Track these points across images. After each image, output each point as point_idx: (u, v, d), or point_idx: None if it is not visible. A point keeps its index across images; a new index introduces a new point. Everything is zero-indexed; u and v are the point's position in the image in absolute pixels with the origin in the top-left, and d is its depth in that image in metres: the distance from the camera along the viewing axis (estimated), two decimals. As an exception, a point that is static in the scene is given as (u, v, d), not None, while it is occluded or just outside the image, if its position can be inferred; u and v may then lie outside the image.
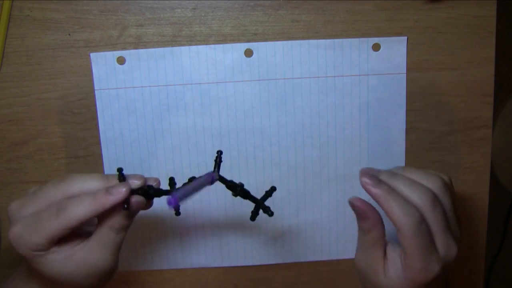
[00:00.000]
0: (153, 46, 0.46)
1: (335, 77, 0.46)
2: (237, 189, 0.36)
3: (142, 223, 0.49)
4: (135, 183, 0.34)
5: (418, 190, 0.35)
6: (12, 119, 0.47)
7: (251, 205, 0.50)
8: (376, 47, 0.46)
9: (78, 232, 0.36)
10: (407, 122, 0.48)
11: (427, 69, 0.47)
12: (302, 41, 0.46)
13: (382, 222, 0.36)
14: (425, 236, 0.34)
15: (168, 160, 0.48)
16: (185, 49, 0.46)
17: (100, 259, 0.35)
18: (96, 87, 0.46)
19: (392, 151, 0.48)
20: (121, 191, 0.33)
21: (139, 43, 0.46)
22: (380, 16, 0.46)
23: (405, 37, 0.46)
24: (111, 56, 0.45)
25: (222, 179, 0.36)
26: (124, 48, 0.45)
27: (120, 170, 0.34)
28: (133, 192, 0.34)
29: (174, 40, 0.46)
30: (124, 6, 0.45)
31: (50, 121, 0.47)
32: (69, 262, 0.35)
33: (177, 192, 0.31)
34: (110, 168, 0.48)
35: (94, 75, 0.46)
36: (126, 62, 0.46)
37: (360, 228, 0.37)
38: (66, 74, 0.46)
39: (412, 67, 0.47)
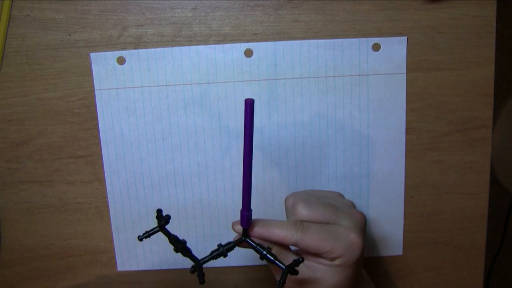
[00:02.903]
0: (153, 46, 0.46)
1: (335, 77, 0.46)
2: (264, 253, 0.36)
3: (142, 223, 0.49)
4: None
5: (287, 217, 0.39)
6: (12, 119, 0.47)
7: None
8: (376, 47, 0.46)
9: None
10: (407, 122, 0.48)
11: (427, 69, 0.47)
12: (302, 41, 0.46)
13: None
14: (313, 229, 0.36)
15: (168, 160, 0.48)
16: (185, 49, 0.46)
17: None
18: (96, 87, 0.46)
19: (392, 151, 0.48)
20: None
21: (139, 43, 0.46)
22: (380, 16, 0.46)
23: (405, 37, 0.46)
24: (111, 56, 0.45)
25: (250, 242, 0.37)
26: (124, 48, 0.45)
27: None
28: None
29: (174, 40, 0.46)
30: (124, 6, 0.45)
31: (50, 121, 0.47)
32: None
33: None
34: (110, 168, 0.48)
35: (94, 75, 0.46)
36: (126, 62, 0.46)
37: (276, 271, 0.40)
38: (66, 74, 0.46)
39: (412, 67, 0.47)
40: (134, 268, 0.50)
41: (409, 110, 0.48)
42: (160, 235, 0.38)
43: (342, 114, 0.47)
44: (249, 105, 0.33)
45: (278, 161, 0.48)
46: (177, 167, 0.48)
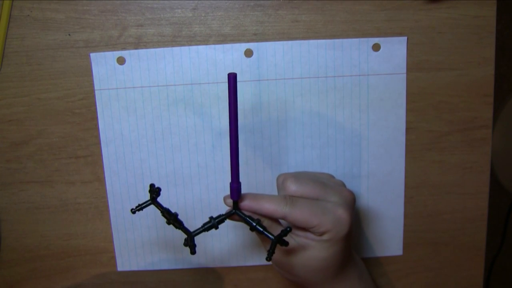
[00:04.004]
0: (153, 46, 0.46)
1: (335, 77, 0.46)
2: (253, 225, 0.37)
3: (142, 223, 0.49)
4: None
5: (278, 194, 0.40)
6: (12, 119, 0.47)
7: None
8: (376, 47, 0.46)
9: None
10: (407, 122, 0.48)
11: (427, 69, 0.47)
12: (302, 41, 0.46)
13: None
14: (301, 203, 0.37)
15: (168, 160, 0.48)
16: (185, 49, 0.46)
17: None
18: (96, 87, 0.46)
19: (392, 151, 0.48)
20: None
21: (139, 43, 0.46)
22: (380, 16, 0.46)
23: (405, 37, 0.46)
24: (111, 56, 0.45)
25: (240, 214, 0.37)
26: (124, 48, 0.46)
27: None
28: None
29: (174, 40, 0.46)
30: (124, 6, 0.45)
31: (50, 121, 0.47)
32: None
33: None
34: (110, 168, 0.48)
35: (94, 75, 0.46)
36: (126, 62, 0.46)
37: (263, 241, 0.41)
38: (66, 74, 0.46)
39: (412, 67, 0.47)
40: (134, 268, 0.50)
41: (409, 110, 0.48)
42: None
43: (342, 114, 0.47)
44: (232, 78, 0.34)
45: (278, 161, 0.48)
46: (177, 167, 0.48)
